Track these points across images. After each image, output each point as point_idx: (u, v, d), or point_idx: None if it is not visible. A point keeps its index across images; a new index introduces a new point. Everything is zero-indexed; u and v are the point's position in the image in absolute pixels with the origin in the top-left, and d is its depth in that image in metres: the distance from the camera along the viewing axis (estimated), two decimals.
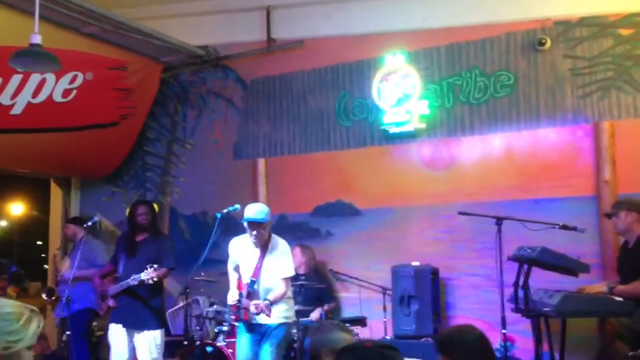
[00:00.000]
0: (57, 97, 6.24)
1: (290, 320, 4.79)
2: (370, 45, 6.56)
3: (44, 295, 6.29)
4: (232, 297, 4.61)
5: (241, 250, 4.76)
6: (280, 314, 4.65)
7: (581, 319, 4.49)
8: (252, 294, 4.58)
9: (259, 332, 4.65)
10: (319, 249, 6.37)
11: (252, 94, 7.28)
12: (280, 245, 4.73)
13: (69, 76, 6.21)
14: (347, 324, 3.96)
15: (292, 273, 4.70)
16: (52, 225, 8.46)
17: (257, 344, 4.65)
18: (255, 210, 4.57)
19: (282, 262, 4.65)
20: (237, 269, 4.82)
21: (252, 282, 4.59)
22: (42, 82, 6.06)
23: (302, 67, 6.97)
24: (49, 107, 6.22)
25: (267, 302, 4.42)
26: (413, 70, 6.20)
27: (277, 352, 4.61)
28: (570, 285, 4.69)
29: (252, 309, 4.43)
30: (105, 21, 6.14)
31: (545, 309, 4.06)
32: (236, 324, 4.87)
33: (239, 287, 4.72)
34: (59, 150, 6.88)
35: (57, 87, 6.18)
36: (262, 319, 4.53)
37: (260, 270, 4.63)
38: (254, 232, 4.56)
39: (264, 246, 4.66)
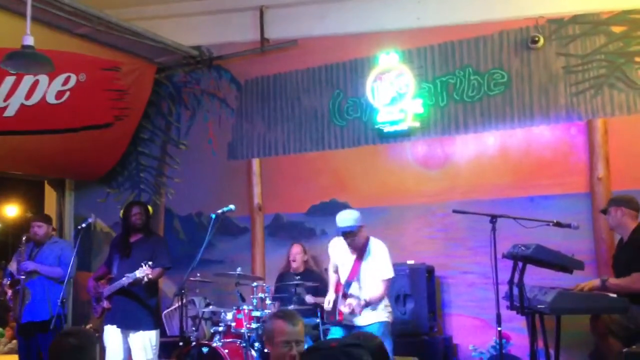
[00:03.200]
0: (51, 99, 6.22)
1: (384, 320, 4.60)
2: (364, 44, 6.56)
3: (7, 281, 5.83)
4: (328, 302, 4.59)
5: (339, 252, 4.73)
6: (374, 314, 4.55)
7: (576, 315, 4.50)
8: (347, 296, 4.55)
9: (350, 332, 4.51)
10: (314, 248, 6.37)
11: (246, 94, 7.27)
12: (378, 247, 4.65)
13: (62, 77, 6.19)
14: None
15: (391, 275, 4.60)
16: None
17: None
18: (342, 219, 4.55)
19: (381, 263, 4.58)
20: (336, 270, 4.78)
21: (348, 284, 4.56)
22: (35, 84, 6.04)
23: (296, 67, 6.97)
24: (42, 108, 6.20)
25: (362, 301, 4.40)
26: (407, 69, 6.21)
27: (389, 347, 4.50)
28: (565, 283, 4.71)
29: (344, 309, 4.41)
30: (97, 22, 6.12)
31: (540, 306, 4.07)
32: (330, 326, 4.81)
33: (337, 289, 4.68)
34: (52, 152, 6.86)
35: (50, 88, 6.16)
36: (358, 320, 4.49)
37: (358, 272, 4.57)
38: (348, 240, 4.55)
39: (361, 249, 4.61)
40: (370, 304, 4.46)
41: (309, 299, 5.72)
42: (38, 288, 5.64)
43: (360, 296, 4.51)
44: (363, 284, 4.57)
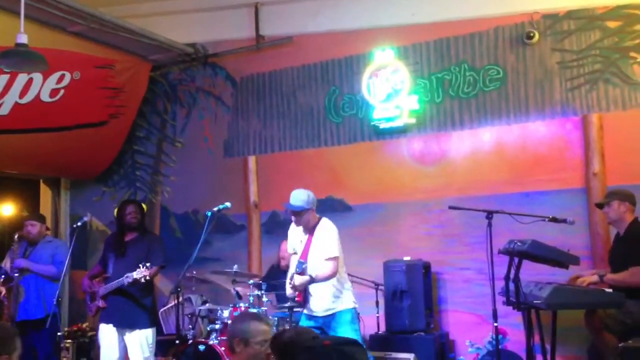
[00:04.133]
0: (45, 97, 6.20)
1: (352, 307, 4.71)
2: (359, 41, 6.55)
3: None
4: (287, 287, 4.73)
5: (295, 235, 4.88)
6: (340, 302, 4.65)
7: (572, 310, 4.51)
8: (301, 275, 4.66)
9: (317, 323, 4.66)
10: None
11: (241, 91, 7.26)
12: (325, 227, 4.75)
13: (56, 76, 6.16)
14: None
15: (335, 254, 4.66)
16: None
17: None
18: (293, 196, 4.70)
19: (326, 243, 4.67)
20: (294, 256, 4.90)
21: (300, 264, 4.65)
22: (29, 82, 6.01)
23: (292, 64, 6.95)
24: (36, 107, 6.17)
25: (307, 278, 4.52)
26: (402, 65, 6.21)
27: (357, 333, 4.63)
28: (561, 278, 4.72)
29: (288, 287, 4.57)
30: (91, 20, 6.10)
31: (536, 302, 4.08)
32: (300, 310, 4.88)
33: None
34: (47, 151, 6.83)
35: (44, 87, 6.13)
36: (324, 309, 4.62)
37: (308, 252, 4.70)
38: (293, 219, 4.73)
39: (312, 230, 4.74)
40: (315, 281, 4.56)
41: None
42: (32, 286, 5.63)
43: (309, 273, 4.62)
44: (311, 263, 4.66)
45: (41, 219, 6.09)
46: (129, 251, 5.17)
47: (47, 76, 6.07)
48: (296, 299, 4.70)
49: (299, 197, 4.68)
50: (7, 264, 5.81)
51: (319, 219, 4.80)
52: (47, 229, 5.99)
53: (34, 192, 8.45)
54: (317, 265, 4.63)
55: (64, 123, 6.64)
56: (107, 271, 5.28)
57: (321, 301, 4.65)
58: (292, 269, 4.83)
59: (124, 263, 5.06)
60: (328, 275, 4.60)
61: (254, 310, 5.32)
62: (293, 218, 4.74)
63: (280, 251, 6.11)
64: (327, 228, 4.75)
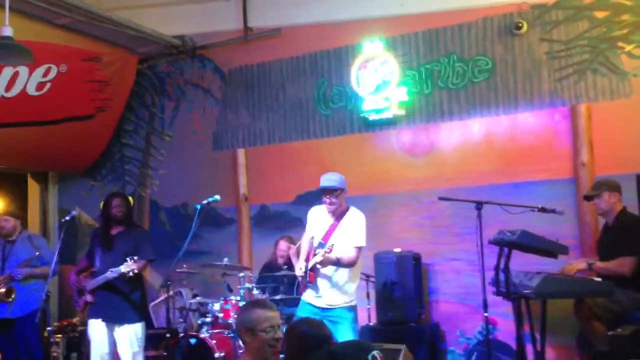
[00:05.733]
0: (31, 91, 6.14)
1: (354, 304, 4.65)
2: (348, 32, 6.53)
3: (6, 299, 5.58)
4: (300, 268, 4.62)
5: (317, 219, 4.76)
6: (345, 297, 4.58)
7: (562, 300, 4.54)
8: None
9: (317, 316, 4.49)
10: (300, 238, 6.34)
11: (230, 83, 7.22)
12: (357, 215, 4.68)
13: (42, 69, 6.11)
14: None
15: (363, 243, 4.60)
16: (30, 221, 8.33)
17: None
18: (326, 178, 4.61)
19: (356, 230, 4.59)
20: (312, 240, 4.77)
21: (321, 244, 4.56)
22: (15, 76, 5.96)
23: (280, 56, 6.92)
24: (23, 100, 6.12)
25: (334, 257, 4.39)
26: (391, 56, 6.19)
27: (355, 333, 4.58)
28: (551, 267, 4.74)
29: (317, 257, 4.39)
30: (77, 12, 6.04)
31: (525, 291, 4.10)
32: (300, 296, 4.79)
33: (308, 258, 4.67)
34: (35, 145, 6.78)
35: (30, 80, 6.08)
36: (328, 301, 4.53)
37: (332, 235, 4.60)
38: (327, 199, 4.58)
39: (340, 216, 4.65)
40: (339, 263, 4.46)
41: None
42: (22, 284, 5.59)
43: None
44: (336, 245, 4.53)
45: (15, 214, 6.01)
46: (116, 245, 5.14)
47: (33, 69, 6.02)
48: (309, 280, 4.55)
49: (332, 177, 4.61)
50: None
51: (349, 207, 4.71)
52: (22, 224, 5.91)
53: (22, 186, 8.38)
54: (344, 249, 4.52)
55: (51, 117, 6.58)
56: (94, 265, 5.24)
57: (335, 291, 4.54)
58: (303, 253, 4.74)
59: (111, 257, 5.02)
60: (352, 260, 4.51)
61: (278, 298, 5.32)
62: (327, 201, 4.58)
63: (279, 250, 6.08)
64: (359, 216, 4.67)
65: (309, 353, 2.60)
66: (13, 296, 5.53)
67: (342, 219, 4.64)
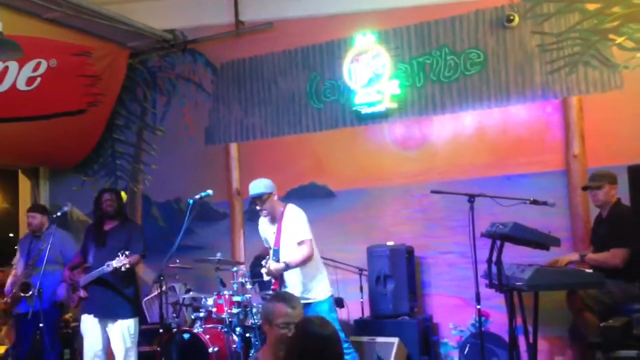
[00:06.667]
0: (21, 86, 6.11)
1: (331, 295, 4.79)
2: (340, 25, 6.51)
3: (20, 293, 5.75)
4: (263, 271, 4.74)
5: (264, 228, 4.93)
6: (322, 289, 4.72)
7: (554, 292, 4.56)
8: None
9: None
10: None
11: (222, 78, 7.19)
12: (292, 212, 4.79)
13: (32, 64, 6.07)
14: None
15: (306, 236, 4.70)
16: (22, 217, 8.29)
17: None
18: (252, 186, 4.75)
19: (294, 227, 4.71)
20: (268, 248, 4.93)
21: (275, 251, 4.71)
22: (4, 71, 5.92)
23: (272, 50, 6.90)
24: (13, 96, 6.08)
25: (282, 265, 4.53)
26: (383, 50, 6.18)
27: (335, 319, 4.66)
28: (543, 259, 4.76)
29: (264, 273, 4.58)
30: (67, 6, 5.99)
31: (517, 284, 4.11)
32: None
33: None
34: (25, 140, 6.74)
35: (20, 75, 6.05)
36: (309, 296, 4.65)
37: (280, 239, 4.73)
38: (257, 207, 4.74)
39: (280, 218, 4.76)
40: (289, 267, 4.58)
41: None
42: (46, 279, 5.54)
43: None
44: (284, 250, 4.70)
45: (41, 209, 6.08)
46: (109, 240, 5.13)
47: (23, 64, 5.98)
48: (272, 287, 4.72)
49: (257, 184, 4.74)
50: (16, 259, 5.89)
51: (285, 206, 4.82)
52: (49, 219, 5.90)
53: (13, 182, 8.34)
54: (290, 251, 4.66)
55: (41, 112, 6.55)
56: (87, 261, 5.23)
57: (295, 291, 4.61)
58: (264, 261, 4.84)
59: (105, 252, 5.01)
60: (304, 258, 4.61)
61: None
62: (259, 209, 4.75)
63: None
64: (294, 212, 4.78)
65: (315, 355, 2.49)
66: (30, 292, 5.54)
67: (282, 221, 4.77)
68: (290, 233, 4.71)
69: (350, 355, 4.67)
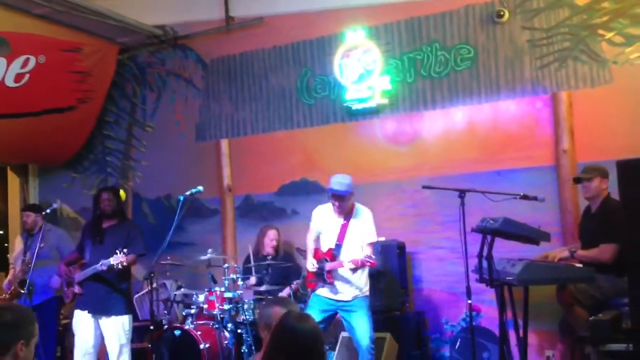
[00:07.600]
0: (10, 82, 6.07)
1: (367, 294, 4.79)
2: (330, 21, 6.50)
3: (20, 289, 5.73)
4: (312, 264, 4.73)
5: (324, 218, 4.84)
6: (360, 290, 4.72)
7: (544, 286, 4.58)
8: (337, 258, 4.67)
9: (333, 306, 4.71)
10: (285, 228, 6.34)
11: (212, 73, 7.17)
12: (366, 212, 4.79)
13: (20, 60, 6.03)
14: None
15: (376, 239, 4.77)
16: (11, 214, 8.25)
17: (329, 320, 4.76)
18: (337, 182, 4.66)
19: (368, 228, 4.73)
20: (317, 238, 4.88)
21: (338, 247, 4.68)
22: None
23: (263, 45, 6.88)
24: (1, 92, 6.04)
25: (358, 260, 4.50)
26: (374, 45, 6.18)
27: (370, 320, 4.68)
28: (533, 254, 4.78)
29: (348, 265, 4.50)
30: (56, 1, 5.95)
31: (508, 278, 4.13)
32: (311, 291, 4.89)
33: (316, 256, 4.80)
34: (14, 137, 6.70)
35: (8, 71, 6.01)
36: (343, 295, 4.65)
37: (345, 235, 4.70)
38: (337, 204, 4.66)
39: (348, 214, 4.74)
40: (363, 265, 4.59)
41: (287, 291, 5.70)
42: (41, 274, 5.62)
43: (346, 258, 4.61)
44: (349, 246, 4.68)
45: (35, 208, 6.09)
46: (107, 238, 5.12)
47: (11, 60, 5.94)
48: (328, 282, 4.67)
49: (343, 181, 4.66)
50: (18, 248, 5.93)
51: (354, 204, 4.81)
52: (42, 217, 5.89)
53: (2, 179, 8.28)
54: (354, 249, 4.65)
55: (30, 108, 6.51)
56: (84, 257, 5.21)
57: (351, 287, 4.67)
58: (310, 254, 4.85)
59: (102, 250, 5.01)
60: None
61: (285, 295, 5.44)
62: (336, 203, 4.67)
63: (267, 238, 6.03)
64: (367, 213, 4.79)
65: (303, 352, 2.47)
66: (26, 289, 5.53)
67: (351, 218, 4.75)
68: (360, 233, 4.71)
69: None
